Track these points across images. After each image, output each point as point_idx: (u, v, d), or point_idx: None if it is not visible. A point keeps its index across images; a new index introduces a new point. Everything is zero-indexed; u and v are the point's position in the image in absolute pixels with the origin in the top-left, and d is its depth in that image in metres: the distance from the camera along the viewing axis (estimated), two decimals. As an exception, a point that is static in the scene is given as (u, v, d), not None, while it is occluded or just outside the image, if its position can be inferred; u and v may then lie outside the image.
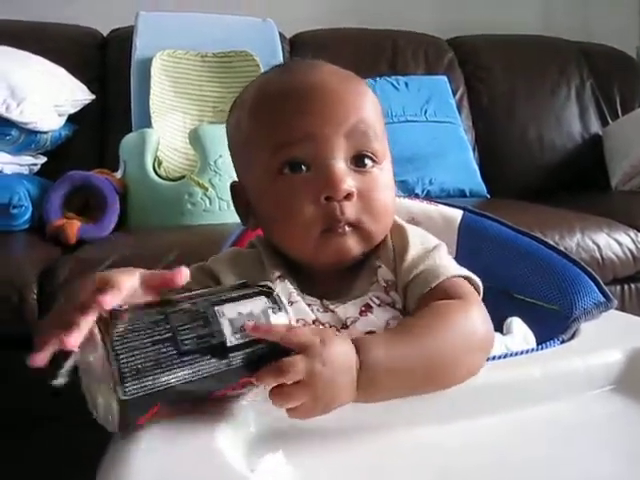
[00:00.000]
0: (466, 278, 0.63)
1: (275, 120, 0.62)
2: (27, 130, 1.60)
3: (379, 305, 0.63)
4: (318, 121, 0.61)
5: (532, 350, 0.63)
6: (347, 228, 0.62)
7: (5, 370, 1.22)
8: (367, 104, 0.64)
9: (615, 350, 0.62)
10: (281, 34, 2.12)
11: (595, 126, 2.31)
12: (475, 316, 0.58)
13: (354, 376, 0.49)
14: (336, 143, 0.61)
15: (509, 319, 0.75)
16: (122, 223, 1.61)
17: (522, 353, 0.62)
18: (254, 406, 0.50)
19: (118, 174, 1.67)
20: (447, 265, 0.63)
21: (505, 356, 0.60)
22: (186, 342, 0.46)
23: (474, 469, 0.49)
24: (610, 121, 2.32)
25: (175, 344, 0.46)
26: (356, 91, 0.65)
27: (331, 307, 0.63)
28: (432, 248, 0.65)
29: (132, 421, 0.46)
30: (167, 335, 0.46)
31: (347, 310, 0.62)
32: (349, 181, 0.60)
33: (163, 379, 0.45)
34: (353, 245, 0.63)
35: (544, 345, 0.64)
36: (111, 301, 0.46)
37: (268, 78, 0.68)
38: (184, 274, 0.49)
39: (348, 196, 0.60)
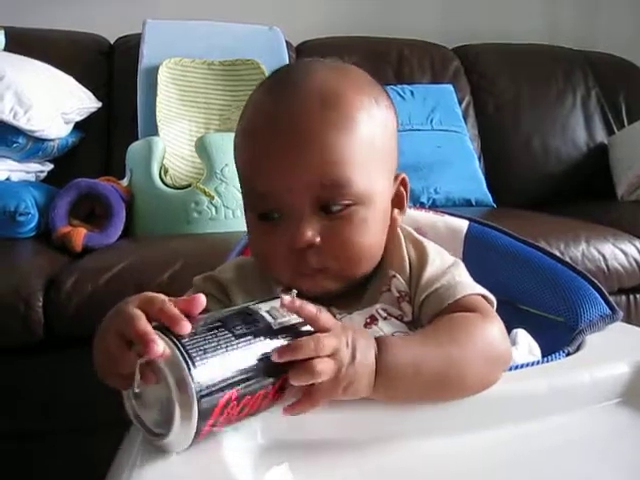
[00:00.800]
0: (483, 296, 0.63)
1: (246, 167, 0.63)
2: (34, 138, 1.61)
3: (385, 318, 0.63)
4: (282, 174, 0.59)
5: (537, 362, 0.63)
6: (321, 276, 0.62)
7: (13, 378, 1.22)
8: (345, 147, 0.59)
9: (621, 362, 0.62)
10: (288, 42, 2.13)
11: (601, 135, 2.30)
12: (495, 331, 0.58)
13: (373, 370, 0.50)
14: (301, 196, 0.59)
15: (514, 330, 0.74)
16: (128, 231, 1.61)
17: (527, 365, 0.62)
18: (261, 417, 0.50)
19: (124, 182, 1.67)
20: (465, 283, 0.63)
21: (510, 368, 0.60)
22: (237, 328, 0.47)
23: (480, 482, 0.49)
24: (616, 130, 2.31)
25: (228, 329, 0.47)
26: (336, 127, 0.59)
27: (338, 316, 0.63)
28: (451, 264, 0.65)
29: (201, 423, 0.45)
30: (218, 324, 0.47)
31: (352, 320, 0.62)
32: (309, 233, 0.59)
33: (227, 359, 0.45)
34: (327, 284, 0.63)
35: (549, 357, 0.63)
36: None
37: (257, 100, 0.65)
38: (201, 302, 0.49)
39: (312, 246, 0.60)
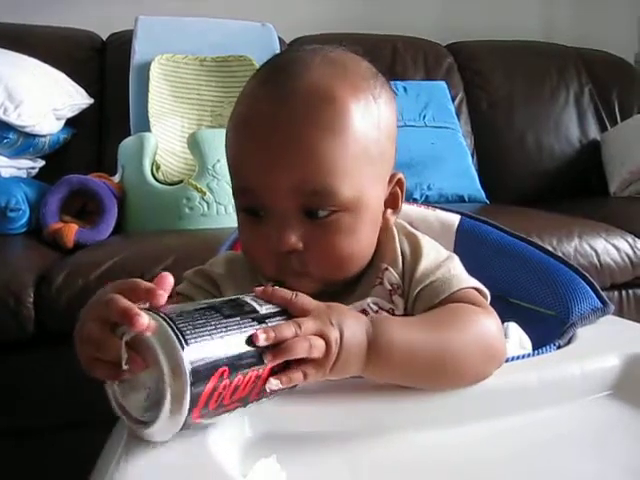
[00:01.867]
0: (477, 290, 0.63)
1: (234, 162, 0.62)
2: (25, 133, 1.60)
3: (376, 312, 0.62)
4: (268, 175, 0.57)
5: (528, 355, 0.63)
6: (305, 279, 0.60)
7: (3, 374, 1.22)
8: (336, 148, 0.57)
9: (612, 355, 0.62)
10: (280, 39, 2.12)
11: (594, 132, 2.31)
12: (493, 326, 0.58)
13: (364, 347, 0.50)
14: (285, 197, 0.57)
15: (505, 324, 0.74)
16: (120, 227, 1.61)
17: (518, 358, 0.61)
18: (249, 410, 0.50)
19: (116, 178, 1.66)
20: (460, 276, 0.63)
21: (501, 361, 0.60)
22: (225, 310, 0.46)
23: (469, 476, 0.49)
24: (609, 127, 2.32)
25: (217, 311, 0.46)
26: (325, 132, 0.57)
27: None
28: (445, 258, 0.64)
29: (192, 403, 0.43)
30: (206, 306, 0.46)
31: None
32: (292, 238, 0.58)
33: (218, 336, 0.44)
34: (312, 286, 0.60)
35: (540, 350, 0.63)
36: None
37: (248, 93, 0.64)
38: (170, 280, 0.47)
39: (294, 251, 0.58)
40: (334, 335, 0.48)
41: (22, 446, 1.25)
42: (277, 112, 0.58)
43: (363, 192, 0.59)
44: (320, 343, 0.47)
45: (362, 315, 0.52)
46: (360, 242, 0.61)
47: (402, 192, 0.67)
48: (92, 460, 0.49)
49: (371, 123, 0.60)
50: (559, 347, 0.65)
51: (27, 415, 1.25)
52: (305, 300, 0.50)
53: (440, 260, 0.64)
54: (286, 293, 0.49)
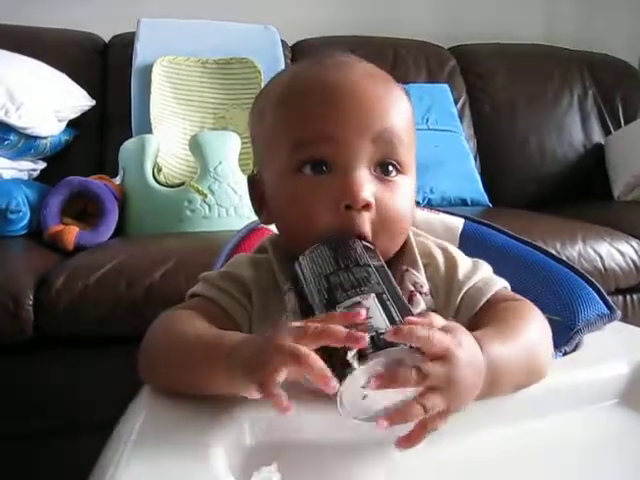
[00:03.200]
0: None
1: (300, 116, 0.60)
2: (26, 135, 1.60)
3: None
4: (344, 123, 0.58)
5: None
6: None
7: (2, 377, 1.21)
8: (398, 111, 0.61)
9: (619, 362, 0.61)
10: (283, 41, 2.12)
11: (597, 135, 2.30)
12: (540, 313, 0.60)
13: (483, 376, 0.49)
14: (360, 148, 0.58)
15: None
16: (121, 229, 1.60)
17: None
18: (249, 417, 0.49)
19: (117, 180, 1.66)
20: (495, 277, 0.64)
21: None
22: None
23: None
24: (612, 130, 2.31)
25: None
26: (388, 96, 0.61)
27: None
28: (476, 262, 0.65)
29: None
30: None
31: None
32: (368, 191, 0.57)
33: None
34: None
35: (546, 357, 0.62)
36: None
37: (298, 71, 0.65)
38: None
39: (367, 206, 0.57)
40: (461, 383, 0.46)
41: (21, 449, 1.24)
42: (347, 79, 0.60)
43: (413, 160, 0.63)
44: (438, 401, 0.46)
45: (475, 340, 0.50)
46: (412, 213, 0.63)
47: None
48: (91, 463, 0.49)
49: (411, 108, 0.64)
50: (565, 354, 0.64)
51: (25, 418, 1.24)
52: (443, 341, 0.46)
53: (473, 264, 0.65)
54: (423, 333, 0.45)
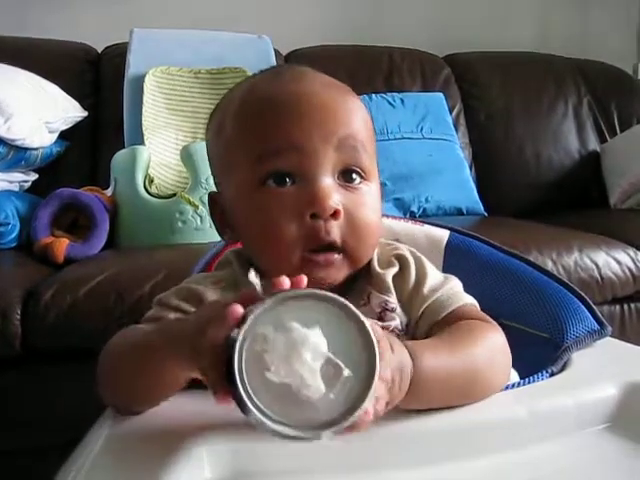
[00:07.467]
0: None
1: (261, 127, 0.59)
2: (16, 147, 1.58)
3: None
4: (306, 132, 0.57)
5: (517, 384, 0.59)
6: (335, 255, 0.58)
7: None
8: (358, 120, 0.61)
9: (609, 384, 0.58)
10: (276, 51, 2.11)
11: (593, 143, 2.29)
12: (500, 338, 0.59)
13: (409, 376, 0.48)
14: (324, 156, 0.57)
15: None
16: (112, 241, 1.59)
17: (506, 389, 0.57)
18: (209, 446, 0.46)
19: (109, 191, 1.65)
20: (462, 293, 0.64)
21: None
22: None
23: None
24: (608, 138, 2.30)
25: None
26: (349, 104, 0.61)
27: None
28: (447, 276, 0.65)
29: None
30: None
31: None
32: (335, 198, 0.57)
33: None
34: (336, 273, 0.59)
35: (531, 379, 0.59)
36: None
37: (256, 82, 0.64)
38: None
39: (334, 214, 0.57)
40: (395, 387, 0.47)
41: (7, 466, 1.22)
42: (305, 88, 0.60)
43: (374, 166, 0.63)
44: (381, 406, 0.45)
45: (405, 347, 0.49)
46: (380, 223, 0.63)
47: None
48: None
49: (371, 120, 0.64)
50: (552, 374, 0.61)
51: (13, 435, 1.22)
52: (381, 344, 0.46)
53: (444, 278, 0.64)
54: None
